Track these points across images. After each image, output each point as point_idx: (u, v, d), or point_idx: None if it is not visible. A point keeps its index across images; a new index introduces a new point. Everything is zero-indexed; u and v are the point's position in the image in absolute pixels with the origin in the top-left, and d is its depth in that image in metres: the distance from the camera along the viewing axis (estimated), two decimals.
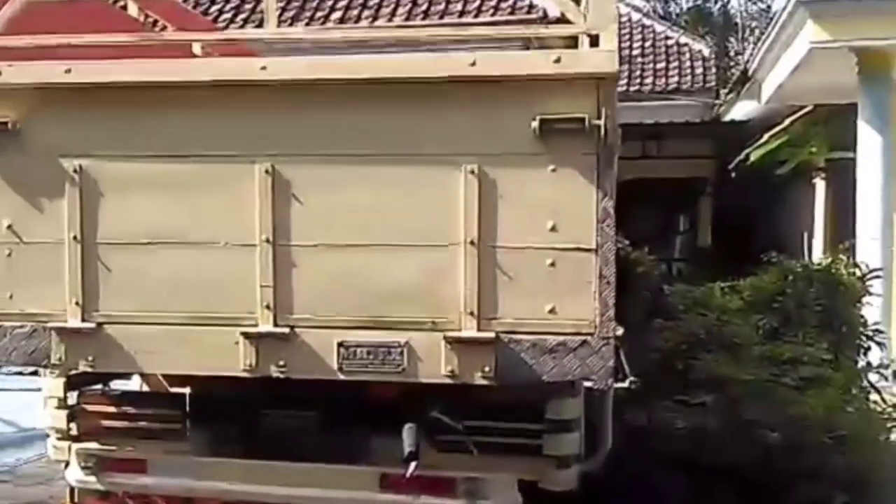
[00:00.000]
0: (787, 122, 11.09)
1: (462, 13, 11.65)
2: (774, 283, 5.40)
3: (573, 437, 3.62)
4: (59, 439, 4.05)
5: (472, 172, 3.21)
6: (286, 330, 3.33)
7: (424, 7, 11.92)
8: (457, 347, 3.24)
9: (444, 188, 3.24)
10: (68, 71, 3.40)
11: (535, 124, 3.15)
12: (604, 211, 3.15)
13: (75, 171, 3.44)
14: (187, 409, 3.97)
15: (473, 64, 3.20)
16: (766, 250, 6.21)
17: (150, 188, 3.42)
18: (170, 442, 3.93)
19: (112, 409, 4.03)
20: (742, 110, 13.20)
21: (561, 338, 3.18)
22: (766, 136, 11.51)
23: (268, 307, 3.34)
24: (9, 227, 3.50)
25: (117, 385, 4.26)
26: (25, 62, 3.45)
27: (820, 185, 12.64)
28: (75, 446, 3.96)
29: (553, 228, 3.18)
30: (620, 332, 3.19)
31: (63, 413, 4.00)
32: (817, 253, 11.42)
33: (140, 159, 3.42)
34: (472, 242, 3.21)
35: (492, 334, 3.21)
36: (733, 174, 12.71)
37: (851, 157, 10.68)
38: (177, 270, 3.41)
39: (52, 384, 4.01)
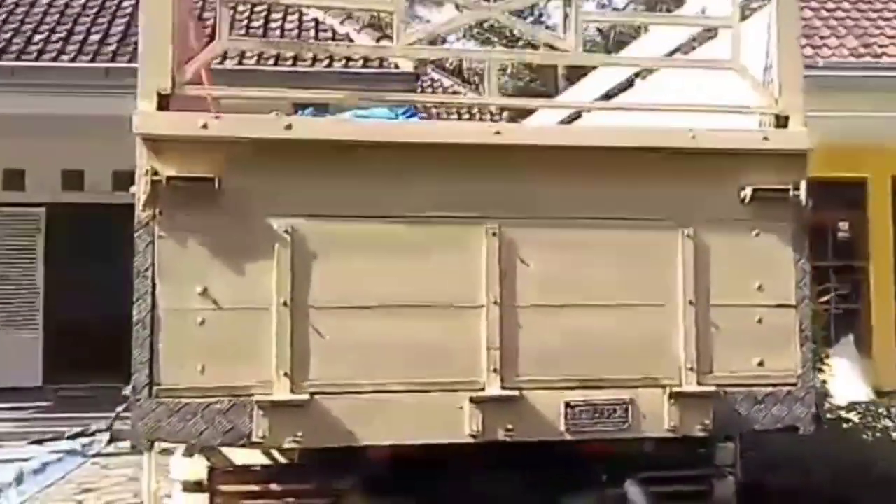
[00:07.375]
0: None
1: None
2: None
3: (733, 480, 3.90)
4: None
5: (689, 236, 3.45)
6: (515, 393, 3.33)
7: None
8: (679, 402, 3.41)
9: (665, 251, 3.45)
10: (289, 127, 3.21)
11: (745, 193, 3.47)
12: (801, 271, 3.52)
13: (287, 231, 3.22)
14: (343, 479, 3.74)
15: (694, 137, 3.47)
16: None
17: (368, 249, 3.28)
18: None
19: (255, 488, 3.70)
20: None
21: (770, 388, 3.48)
22: None
23: (495, 370, 3.32)
24: (202, 292, 3.19)
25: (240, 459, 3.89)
26: (232, 114, 3.21)
27: None
28: None
29: (759, 288, 3.50)
30: (819, 381, 3.56)
31: (203, 497, 3.61)
32: None
33: (358, 220, 3.28)
34: (690, 302, 3.44)
35: (712, 388, 3.43)
36: None
37: None
38: (398, 335, 3.28)
39: (187, 465, 3.61)
